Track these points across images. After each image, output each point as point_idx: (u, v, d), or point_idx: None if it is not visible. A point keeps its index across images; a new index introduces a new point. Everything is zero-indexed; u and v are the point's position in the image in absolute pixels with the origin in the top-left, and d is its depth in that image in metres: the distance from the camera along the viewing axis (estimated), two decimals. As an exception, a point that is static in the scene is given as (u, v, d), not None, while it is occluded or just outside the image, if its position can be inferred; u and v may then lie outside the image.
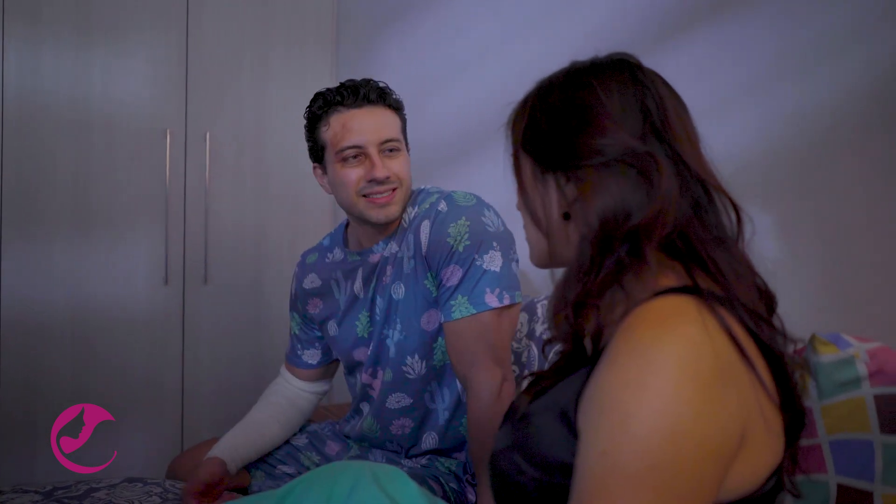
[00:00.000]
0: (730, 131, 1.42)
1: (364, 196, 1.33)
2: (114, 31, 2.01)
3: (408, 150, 1.41)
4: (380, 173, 1.31)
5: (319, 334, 1.57)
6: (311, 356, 1.57)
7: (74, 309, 1.98)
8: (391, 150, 1.34)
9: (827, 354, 0.96)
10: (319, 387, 1.60)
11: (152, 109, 2.07)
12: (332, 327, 1.49)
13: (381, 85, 1.37)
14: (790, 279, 1.35)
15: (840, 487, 0.93)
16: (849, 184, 1.26)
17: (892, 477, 0.89)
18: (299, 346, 1.58)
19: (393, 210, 1.35)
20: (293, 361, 1.59)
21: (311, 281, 1.52)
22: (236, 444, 1.42)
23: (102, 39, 2.00)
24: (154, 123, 2.07)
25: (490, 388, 1.24)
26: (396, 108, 1.38)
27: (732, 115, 1.44)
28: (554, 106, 0.78)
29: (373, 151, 1.32)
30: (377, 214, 1.34)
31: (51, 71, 1.93)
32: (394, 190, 1.34)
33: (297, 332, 1.59)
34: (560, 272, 0.78)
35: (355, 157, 1.33)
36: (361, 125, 1.32)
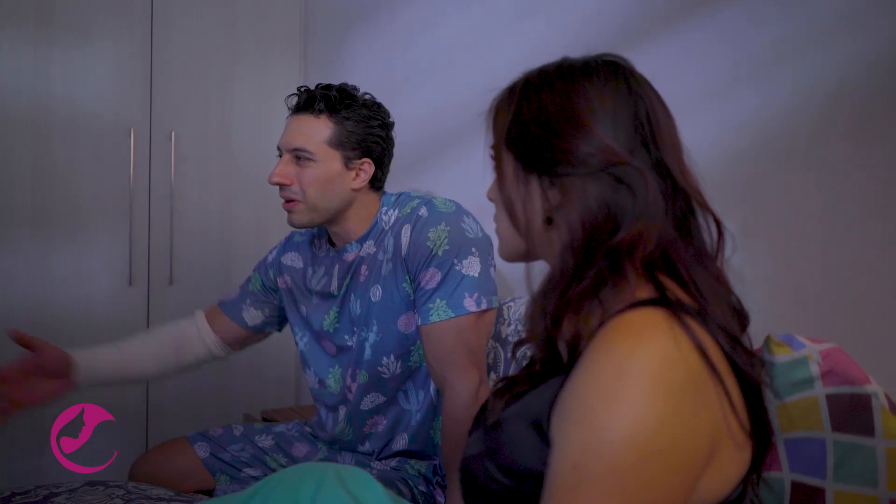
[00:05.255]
0: (688, 137, 1.44)
1: None
2: (76, 28, 1.98)
3: (345, 163, 1.34)
4: (270, 177, 1.34)
5: (277, 303, 1.55)
6: (253, 317, 1.55)
7: (36, 311, 1.94)
8: (298, 159, 1.34)
9: (781, 355, 0.98)
10: (221, 349, 1.55)
11: (116, 108, 2.04)
12: (296, 317, 1.50)
13: (327, 93, 1.33)
14: (746, 284, 1.38)
15: (794, 485, 0.95)
16: (804, 190, 1.29)
17: (843, 474, 0.91)
18: (249, 299, 1.55)
19: (294, 220, 1.35)
20: (227, 309, 1.55)
21: (292, 259, 1.52)
22: (96, 353, 1.41)
23: (64, 36, 1.96)
24: (117, 122, 2.04)
25: (467, 390, 1.25)
26: (333, 114, 1.33)
27: (691, 120, 1.47)
28: (544, 106, 0.75)
29: (284, 156, 1.36)
30: (287, 219, 1.37)
31: (10, 68, 1.90)
32: (293, 201, 1.34)
33: (251, 288, 1.56)
34: (536, 276, 0.77)
35: (280, 157, 1.37)
36: (287, 129, 1.36)
